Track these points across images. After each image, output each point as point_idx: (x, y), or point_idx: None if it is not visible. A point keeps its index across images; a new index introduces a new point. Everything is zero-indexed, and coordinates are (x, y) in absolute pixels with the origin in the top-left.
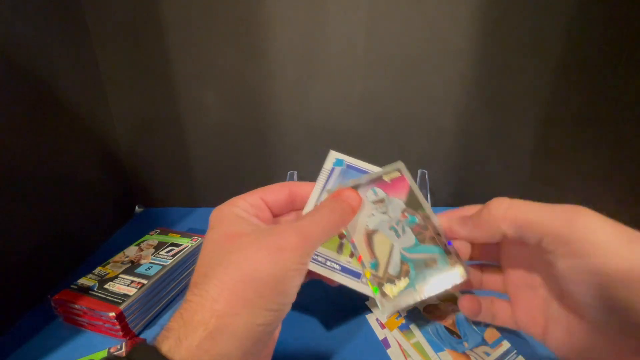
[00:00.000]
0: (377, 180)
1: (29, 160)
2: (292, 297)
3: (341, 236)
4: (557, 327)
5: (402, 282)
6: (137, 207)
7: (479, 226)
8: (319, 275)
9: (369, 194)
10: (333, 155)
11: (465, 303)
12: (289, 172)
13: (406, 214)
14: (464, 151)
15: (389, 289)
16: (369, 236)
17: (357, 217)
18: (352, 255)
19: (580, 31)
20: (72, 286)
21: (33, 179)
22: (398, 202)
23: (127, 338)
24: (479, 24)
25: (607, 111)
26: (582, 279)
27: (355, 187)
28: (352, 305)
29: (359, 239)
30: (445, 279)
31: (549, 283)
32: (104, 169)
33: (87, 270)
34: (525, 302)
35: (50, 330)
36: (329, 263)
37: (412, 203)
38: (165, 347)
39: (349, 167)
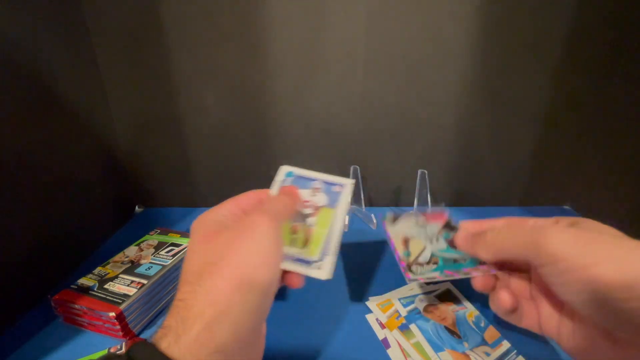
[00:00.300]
0: (422, 214)
1: (29, 161)
2: (274, 272)
3: (294, 231)
4: (565, 331)
5: (429, 267)
6: (137, 207)
7: (475, 251)
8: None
9: (413, 219)
10: (283, 170)
11: (479, 279)
12: None
13: (442, 232)
14: (464, 151)
15: (415, 268)
16: (406, 240)
17: (400, 229)
18: (304, 245)
19: (580, 31)
20: (72, 286)
21: (33, 179)
22: (434, 227)
23: (127, 338)
24: (479, 24)
25: (607, 111)
26: (564, 290)
27: (399, 216)
28: (352, 305)
29: (397, 241)
30: (472, 269)
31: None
32: (104, 169)
33: (87, 270)
34: (543, 308)
35: (50, 330)
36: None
37: (448, 226)
38: (164, 344)
39: (298, 177)
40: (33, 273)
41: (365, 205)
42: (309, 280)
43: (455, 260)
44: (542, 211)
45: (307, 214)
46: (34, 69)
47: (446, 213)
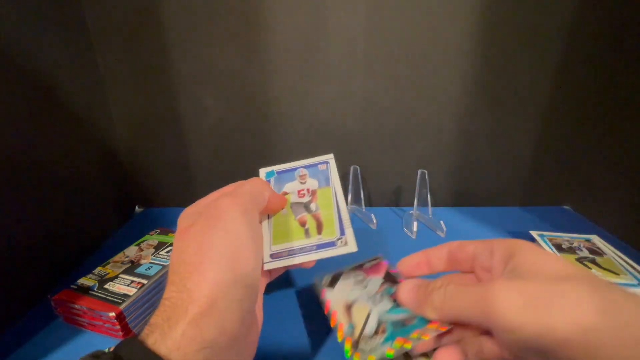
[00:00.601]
0: (360, 268)
1: (29, 161)
2: (256, 263)
3: (303, 223)
4: None
5: (378, 339)
6: (137, 207)
7: (422, 312)
8: (296, 265)
9: (352, 276)
10: (263, 171)
11: (422, 345)
12: None
13: (384, 286)
14: (464, 151)
15: (363, 344)
16: (348, 307)
17: (339, 294)
18: (319, 231)
19: (581, 30)
20: (72, 286)
21: (33, 179)
22: (377, 280)
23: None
24: (479, 24)
25: (607, 111)
26: (517, 350)
27: (339, 274)
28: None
29: (340, 311)
30: (423, 330)
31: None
32: (104, 169)
33: (87, 270)
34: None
35: (50, 330)
36: (305, 249)
37: (389, 279)
38: (150, 341)
39: (280, 173)
40: (33, 273)
41: (365, 205)
42: (309, 279)
43: (404, 323)
44: (542, 211)
45: (307, 202)
46: (34, 69)
47: (384, 262)
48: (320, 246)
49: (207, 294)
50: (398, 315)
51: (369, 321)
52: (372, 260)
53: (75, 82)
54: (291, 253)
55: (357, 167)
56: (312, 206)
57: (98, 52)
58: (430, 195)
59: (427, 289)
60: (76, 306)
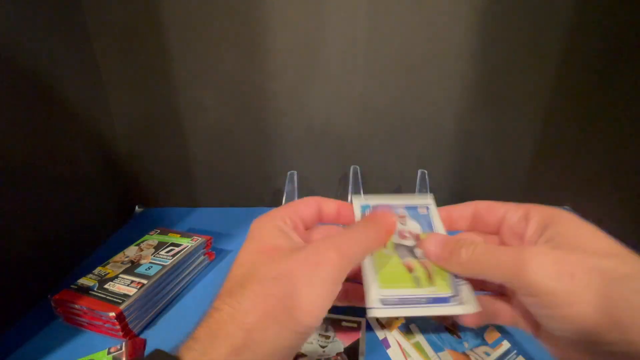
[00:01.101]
0: (336, 322)
1: (28, 161)
2: (320, 319)
3: (410, 269)
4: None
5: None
6: (137, 207)
7: (449, 267)
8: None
9: (320, 327)
10: (357, 203)
11: (468, 318)
12: (289, 172)
13: (339, 357)
14: (464, 151)
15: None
16: (297, 356)
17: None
18: (431, 282)
19: (580, 31)
20: (72, 286)
21: (33, 179)
22: (338, 345)
23: (127, 338)
24: (479, 24)
25: (607, 111)
26: (546, 321)
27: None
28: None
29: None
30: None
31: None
32: (104, 169)
33: (87, 270)
34: (518, 306)
35: (50, 330)
36: (417, 300)
37: (350, 351)
38: (188, 358)
39: (375, 208)
40: (33, 273)
41: None
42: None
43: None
44: None
45: (412, 246)
46: (34, 69)
47: (362, 327)
48: (434, 300)
49: (262, 326)
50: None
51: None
52: (353, 321)
53: (75, 82)
54: (403, 302)
55: (357, 167)
56: (418, 252)
57: (98, 52)
58: (430, 195)
59: (455, 244)
60: (76, 306)
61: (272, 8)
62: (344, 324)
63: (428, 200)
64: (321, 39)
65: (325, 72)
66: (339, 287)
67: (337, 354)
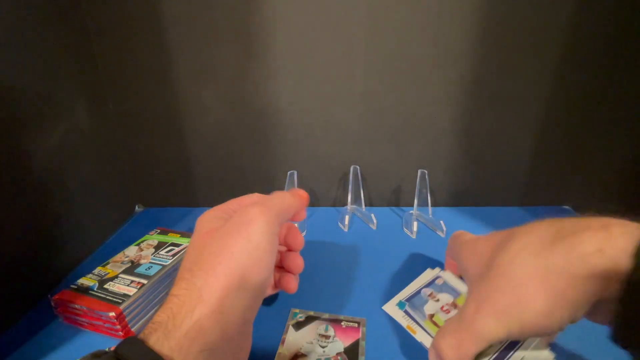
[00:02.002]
0: (335, 321)
1: (27, 161)
2: (268, 275)
3: None
4: None
5: None
6: (137, 207)
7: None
8: None
9: (320, 327)
10: (393, 304)
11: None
12: (289, 172)
13: (339, 357)
14: (464, 151)
15: None
16: (296, 356)
17: (296, 338)
18: None
19: (580, 31)
20: (72, 286)
21: (33, 179)
22: (338, 345)
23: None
24: (479, 24)
25: (607, 111)
26: None
27: (314, 318)
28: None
29: (288, 354)
30: None
31: None
32: (104, 169)
33: (87, 270)
34: None
35: (50, 330)
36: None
37: (350, 352)
38: (152, 340)
39: (408, 299)
40: (33, 273)
41: (365, 205)
42: (315, 287)
43: None
44: (542, 211)
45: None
46: (35, 70)
47: (360, 329)
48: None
49: (218, 295)
50: None
51: None
52: (353, 320)
53: (75, 82)
54: None
55: (357, 167)
56: None
57: (98, 51)
58: (430, 195)
59: (437, 355)
60: (76, 306)
61: (273, 8)
62: (344, 324)
63: (436, 271)
64: (321, 39)
65: (326, 72)
66: (276, 240)
67: (337, 354)
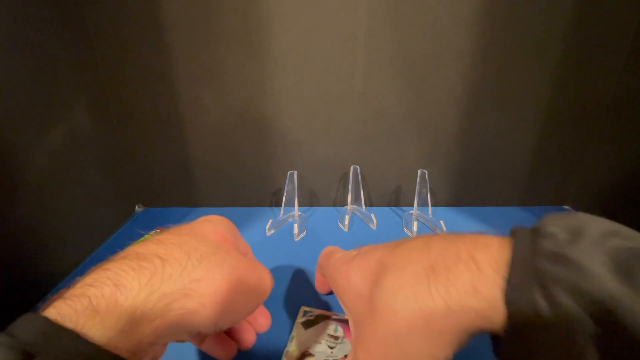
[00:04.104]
0: (346, 323)
1: (27, 161)
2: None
3: None
4: None
5: None
6: (137, 207)
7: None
8: None
9: (330, 327)
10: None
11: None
12: (289, 172)
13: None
14: (464, 151)
15: None
16: (302, 355)
17: (305, 336)
18: None
19: (580, 30)
20: None
21: (32, 179)
22: (347, 347)
23: None
24: (479, 24)
25: (607, 111)
26: None
27: (324, 317)
28: None
29: (296, 352)
30: None
31: None
32: (104, 169)
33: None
34: None
35: None
36: None
37: None
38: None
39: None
40: (33, 273)
41: (365, 205)
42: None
43: None
44: (542, 211)
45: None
46: (34, 69)
47: None
48: None
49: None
50: None
51: None
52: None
53: (75, 82)
54: None
55: (357, 167)
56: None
57: (98, 51)
58: (430, 195)
59: None
60: None
61: (273, 8)
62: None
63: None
64: (321, 39)
65: (326, 72)
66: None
67: (345, 356)
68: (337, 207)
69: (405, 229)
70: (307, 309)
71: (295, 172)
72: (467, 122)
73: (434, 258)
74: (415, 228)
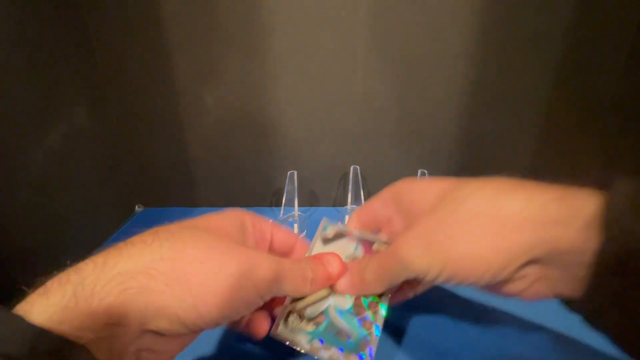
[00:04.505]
0: (366, 242)
1: (27, 161)
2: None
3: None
4: None
5: (307, 326)
6: (137, 207)
7: (367, 294)
8: None
9: (349, 246)
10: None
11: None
12: (289, 172)
13: None
14: (464, 151)
15: (292, 321)
16: None
17: (328, 247)
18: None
19: (581, 31)
20: None
21: (32, 179)
22: None
23: None
24: (479, 24)
25: (607, 111)
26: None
27: (343, 234)
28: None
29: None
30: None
31: None
32: (104, 169)
33: None
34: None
35: None
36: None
37: None
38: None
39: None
40: (33, 273)
41: None
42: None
43: (339, 333)
44: None
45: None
46: (34, 70)
47: None
48: None
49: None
50: (341, 323)
51: (318, 303)
52: (386, 244)
53: (75, 82)
54: None
55: (357, 167)
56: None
57: (98, 51)
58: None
59: (359, 274)
60: None
61: (273, 8)
62: (376, 247)
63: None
64: (322, 39)
65: (326, 72)
66: (260, 303)
67: None
68: (337, 207)
69: None
70: (329, 223)
71: (296, 172)
72: (467, 122)
73: (529, 182)
74: None
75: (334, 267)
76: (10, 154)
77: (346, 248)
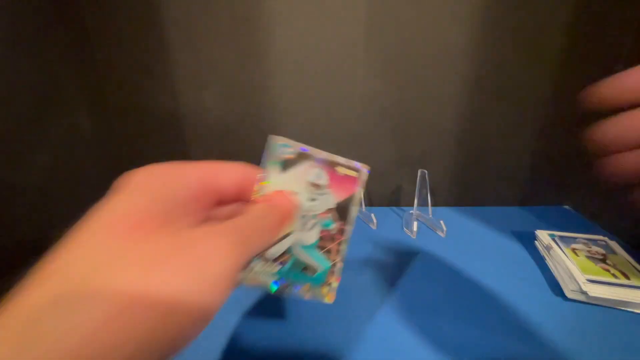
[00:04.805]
0: (330, 166)
1: (27, 161)
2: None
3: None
4: None
5: (272, 268)
6: None
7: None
8: None
9: (312, 173)
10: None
11: None
12: None
13: (327, 215)
14: (464, 151)
15: (254, 264)
16: None
17: (283, 181)
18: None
19: (580, 31)
20: None
21: (32, 179)
22: (331, 199)
23: None
24: (479, 24)
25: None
26: None
27: (304, 158)
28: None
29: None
30: (309, 292)
31: None
32: (104, 169)
33: None
34: None
35: None
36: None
37: (342, 210)
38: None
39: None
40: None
41: (365, 205)
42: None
43: (305, 269)
44: (542, 211)
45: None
46: (34, 70)
47: (359, 179)
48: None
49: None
50: (308, 258)
51: (281, 242)
52: (352, 168)
53: (74, 82)
54: None
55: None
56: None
57: (98, 51)
58: (430, 195)
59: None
60: None
61: (273, 7)
62: (340, 170)
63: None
64: (322, 39)
65: (326, 71)
66: (233, 285)
67: (328, 210)
68: None
69: (405, 229)
70: (283, 140)
71: None
72: (467, 122)
73: None
74: (415, 228)
75: (288, 209)
76: (10, 154)
77: (307, 173)
